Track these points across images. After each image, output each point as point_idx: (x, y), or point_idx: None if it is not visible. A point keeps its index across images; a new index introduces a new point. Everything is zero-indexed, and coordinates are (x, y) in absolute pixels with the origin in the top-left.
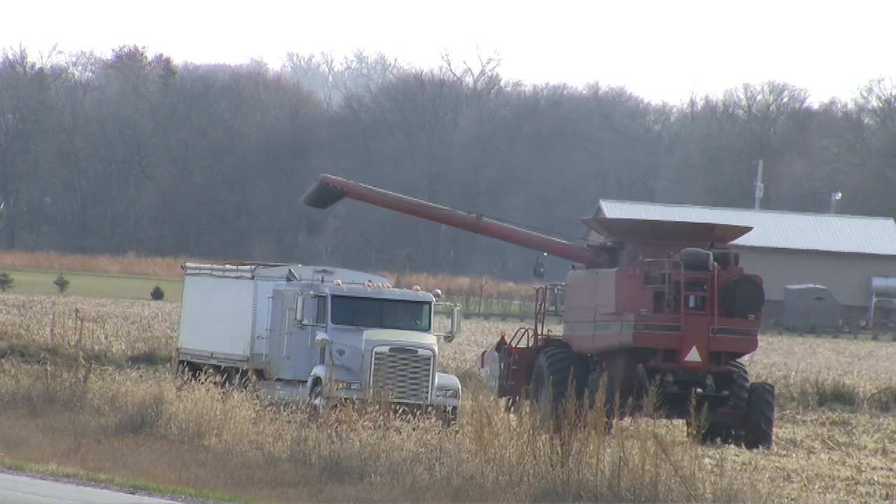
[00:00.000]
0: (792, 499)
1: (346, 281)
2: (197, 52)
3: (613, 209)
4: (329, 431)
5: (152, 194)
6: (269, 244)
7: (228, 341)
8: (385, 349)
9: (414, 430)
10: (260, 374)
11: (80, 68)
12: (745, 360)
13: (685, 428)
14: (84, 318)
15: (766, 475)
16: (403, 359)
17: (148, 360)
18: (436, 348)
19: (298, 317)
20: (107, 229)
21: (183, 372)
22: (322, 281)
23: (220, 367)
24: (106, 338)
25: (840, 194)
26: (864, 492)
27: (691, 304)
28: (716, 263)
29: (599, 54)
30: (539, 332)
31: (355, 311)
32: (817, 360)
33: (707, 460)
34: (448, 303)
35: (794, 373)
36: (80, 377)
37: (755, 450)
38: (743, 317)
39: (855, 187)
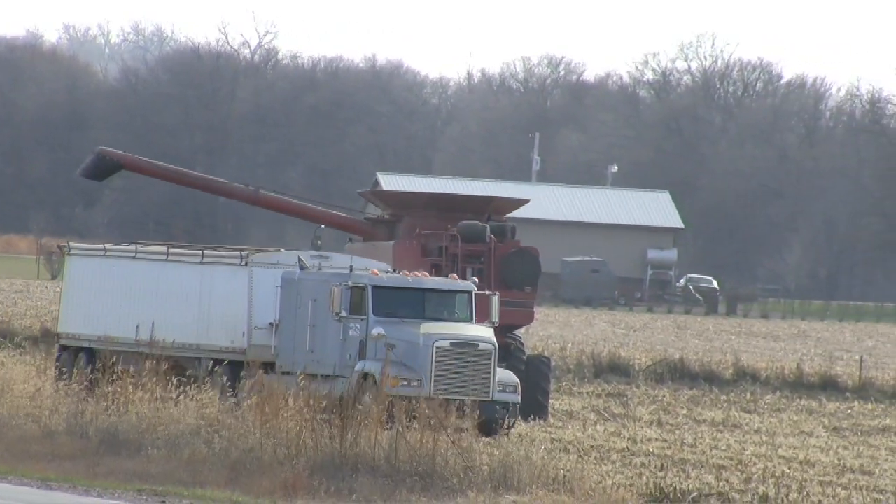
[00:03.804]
0: (567, 470)
1: (359, 268)
2: None
3: (391, 182)
4: (107, 404)
5: None
6: (47, 217)
7: (192, 330)
8: (446, 343)
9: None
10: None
11: None
12: (521, 332)
13: None
14: None
15: (543, 447)
16: (465, 353)
17: None
18: (495, 341)
19: (336, 309)
20: None
21: (75, 358)
22: (363, 270)
23: (162, 357)
24: None
25: (616, 167)
26: (640, 463)
27: (469, 276)
28: (493, 236)
29: (376, 27)
30: None
31: (396, 303)
32: (594, 332)
33: None
34: (487, 291)
35: (570, 345)
36: None
37: (531, 421)
38: (520, 289)
39: (631, 160)
